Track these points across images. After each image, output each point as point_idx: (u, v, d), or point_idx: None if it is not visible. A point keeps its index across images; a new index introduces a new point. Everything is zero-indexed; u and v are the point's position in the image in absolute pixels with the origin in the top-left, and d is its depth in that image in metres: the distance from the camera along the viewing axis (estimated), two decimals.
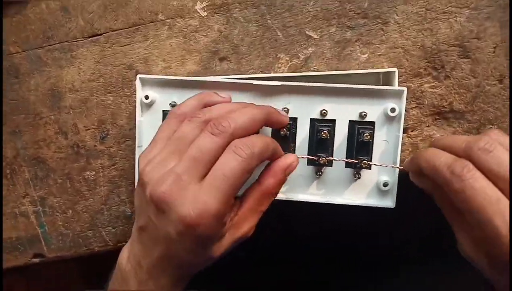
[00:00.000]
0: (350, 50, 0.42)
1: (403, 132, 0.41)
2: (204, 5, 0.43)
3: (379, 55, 0.41)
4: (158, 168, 0.32)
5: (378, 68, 0.42)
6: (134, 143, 0.42)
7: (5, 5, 0.46)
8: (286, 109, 0.40)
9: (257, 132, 0.34)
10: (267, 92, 0.40)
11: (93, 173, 0.47)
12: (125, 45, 0.45)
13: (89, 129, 0.46)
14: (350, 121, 0.40)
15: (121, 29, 0.44)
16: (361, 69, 0.42)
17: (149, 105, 0.41)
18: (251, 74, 0.43)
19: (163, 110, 0.41)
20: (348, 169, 0.40)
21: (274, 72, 0.43)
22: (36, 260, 0.49)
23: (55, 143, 0.47)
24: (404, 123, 0.39)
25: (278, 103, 0.40)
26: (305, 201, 0.41)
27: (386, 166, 0.39)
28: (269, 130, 0.39)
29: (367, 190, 0.41)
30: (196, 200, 0.30)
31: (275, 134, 0.39)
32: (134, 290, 0.34)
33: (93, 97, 0.46)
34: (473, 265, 0.32)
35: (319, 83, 0.39)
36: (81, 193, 0.47)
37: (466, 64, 0.40)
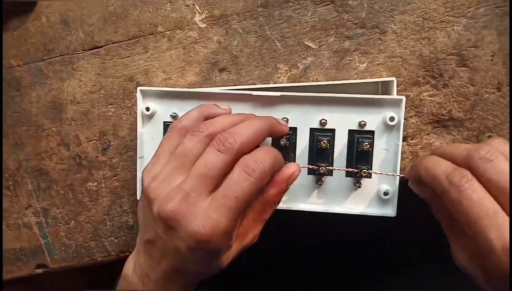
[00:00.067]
0: (349, 60, 0.42)
1: (403, 141, 0.41)
2: (203, 17, 0.43)
3: (378, 64, 0.42)
4: (164, 185, 0.32)
5: (377, 77, 0.42)
6: (136, 154, 0.42)
7: (7, 19, 0.46)
8: (285, 119, 0.40)
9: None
10: (266, 102, 0.40)
11: (95, 183, 0.47)
12: (125, 57, 0.45)
13: (90, 140, 0.46)
14: (349, 130, 0.40)
15: (121, 41, 0.45)
16: (360, 78, 0.42)
17: (150, 117, 0.42)
18: (251, 84, 0.43)
19: (164, 122, 0.42)
20: (349, 178, 0.40)
21: (273, 82, 0.43)
22: (40, 270, 0.49)
23: (57, 155, 0.47)
24: (403, 131, 0.39)
25: (277, 113, 0.40)
26: (306, 210, 0.41)
27: (387, 174, 0.39)
28: (269, 139, 0.40)
29: (368, 198, 0.41)
30: (206, 217, 0.30)
31: (275, 144, 0.39)
32: None
33: (94, 109, 0.46)
34: (469, 275, 0.32)
35: (318, 93, 0.39)
36: (84, 203, 0.47)
37: (464, 73, 0.41)
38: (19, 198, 0.48)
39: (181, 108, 0.40)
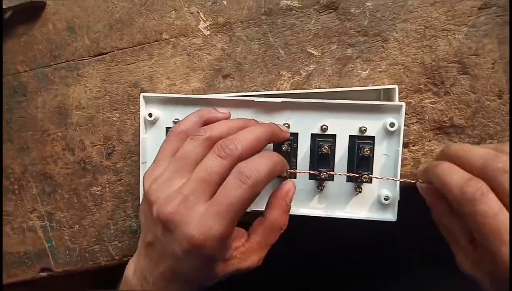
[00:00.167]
0: (351, 67, 0.43)
1: (405, 147, 0.42)
2: (207, 24, 0.44)
3: (380, 71, 0.42)
4: (164, 187, 0.33)
5: (378, 85, 0.42)
6: (139, 160, 0.43)
7: (14, 26, 0.47)
8: (287, 125, 0.40)
9: None
10: (268, 108, 0.41)
11: (100, 188, 0.47)
12: (130, 64, 0.46)
13: (95, 145, 0.47)
14: (350, 136, 0.40)
15: (127, 48, 0.45)
16: (362, 85, 0.42)
17: (153, 123, 0.42)
18: (254, 91, 0.44)
19: (166, 127, 0.42)
20: (349, 183, 0.41)
21: (276, 89, 0.44)
22: (44, 274, 0.50)
23: (62, 160, 0.48)
24: (405, 138, 0.40)
25: (279, 119, 0.40)
26: (307, 215, 0.41)
27: (387, 179, 0.39)
28: (270, 145, 0.40)
29: (368, 203, 0.41)
30: (202, 222, 0.30)
31: (277, 150, 0.40)
32: None
33: (99, 114, 0.47)
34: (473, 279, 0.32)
35: (318, 99, 0.39)
36: (88, 208, 0.48)
37: (465, 80, 0.41)
38: (24, 202, 0.49)
39: (184, 114, 0.41)
